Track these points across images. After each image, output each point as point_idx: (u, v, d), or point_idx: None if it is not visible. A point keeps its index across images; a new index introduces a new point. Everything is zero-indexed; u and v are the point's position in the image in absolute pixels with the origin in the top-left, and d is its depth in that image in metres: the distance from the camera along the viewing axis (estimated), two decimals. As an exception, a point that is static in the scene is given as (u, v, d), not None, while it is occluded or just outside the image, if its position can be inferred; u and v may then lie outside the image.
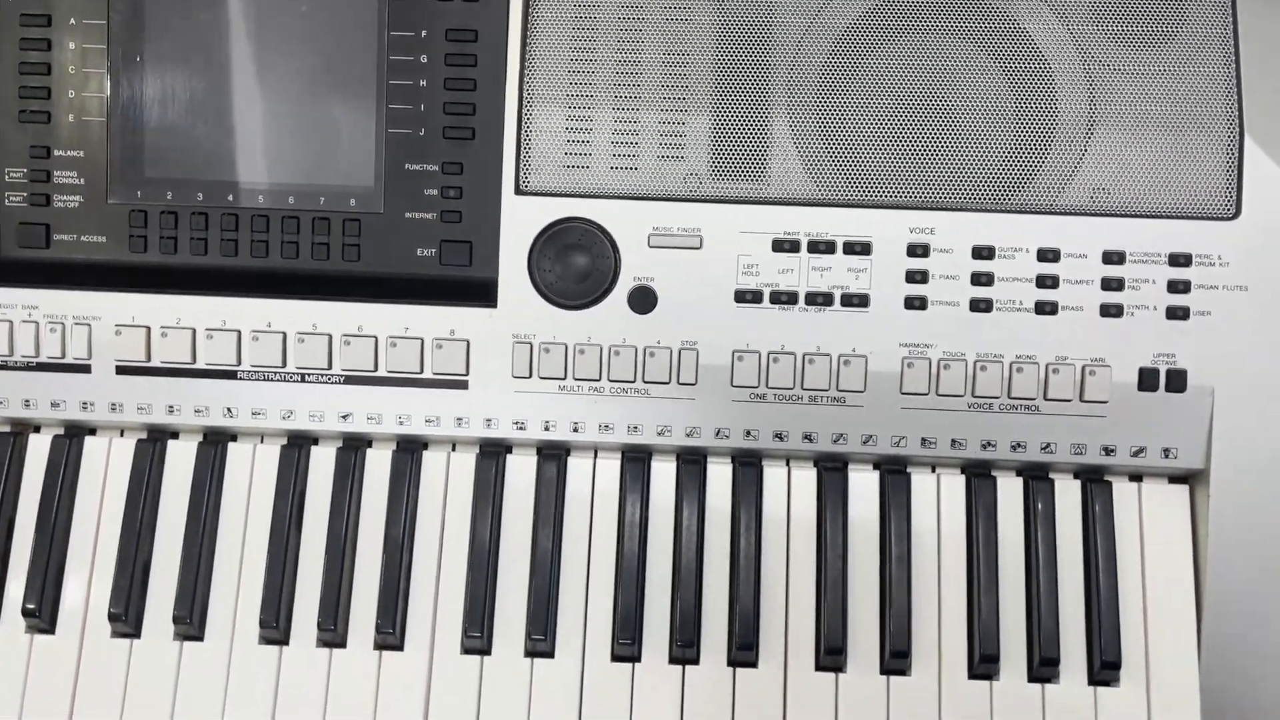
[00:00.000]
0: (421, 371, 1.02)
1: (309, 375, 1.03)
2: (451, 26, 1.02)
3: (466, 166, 1.02)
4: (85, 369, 1.03)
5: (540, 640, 0.99)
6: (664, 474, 1.04)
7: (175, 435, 1.06)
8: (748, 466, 1.03)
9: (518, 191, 1.02)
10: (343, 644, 1.00)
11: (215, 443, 1.04)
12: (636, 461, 1.03)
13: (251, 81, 1.03)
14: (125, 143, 1.03)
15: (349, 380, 1.03)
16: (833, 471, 1.03)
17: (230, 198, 1.03)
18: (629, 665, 1.00)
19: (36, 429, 1.06)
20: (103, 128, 1.03)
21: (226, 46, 1.03)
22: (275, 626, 1.00)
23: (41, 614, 1.00)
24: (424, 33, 1.02)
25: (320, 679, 1.00)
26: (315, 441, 1.05)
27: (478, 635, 0.99)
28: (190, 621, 1.00)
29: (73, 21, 1.02)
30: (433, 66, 1.02)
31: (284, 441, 1.05)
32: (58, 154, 1.03)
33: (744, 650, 0.99)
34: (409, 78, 1.02)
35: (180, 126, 1.03)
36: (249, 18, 1.02)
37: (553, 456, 1.03)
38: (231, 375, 1.03)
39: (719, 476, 1.03)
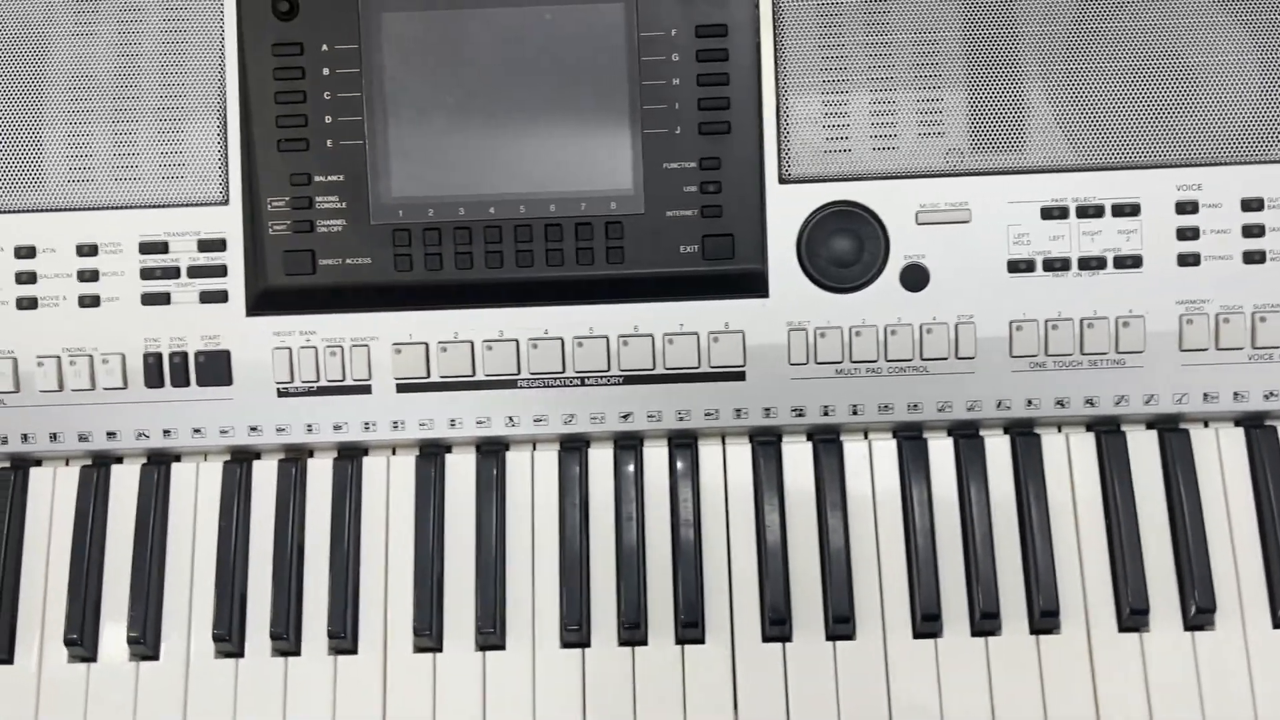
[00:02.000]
0: (699, 366, 1.03)
1: (589, 378, 1.04)
2: (701, 23, 1.02)
3: (724, 160, 1.03)
4: (366, 389, 1.04)
5: (843, 624, 1.00)
6: (942, 451, 1.04)
7: (449, 449, 1.07)
8: (1025, 436, 1.04)
9: (781, 180, 1.03)
10: (644, 641, 1.01)
11: (492, 453, 1.05)
12: (915, 440, 1.04)
13: (503, 94, 1.03)
14: (384, 163, 1.04)
15: (628, 380, 1.03)
16: (1111, 434, 1.03)
17: (492, 210, 1.04)
18: (932, 641, 1.00)
19: (310, 453, 1.07)
20: (361, 150, 1.04)
21: (475, 60, 1.03)
22: (579, 629, 1.01)
23: (344, 634, 1.01)
24: (674, 31, 1.03)
25: (625, 676, 1.01)
26: (588, 444, 1.06)
27: (780, 624, 1.00)
28: (494, 630, 1.00)
29: (325, 48, 1.03)
30: (684, 64, 1.03)
31: (557, 446, 1.06)
32: (318, 179, 1.04)
33: (1048, 616, 0.99)
34: (662, 77, 1.03)
35: (437, 143, 1.04)
36: (496, 31, 1.03)
37: (830, 443, 1.04)
38: (512, 385, 1.04)
39: (997, 449, 1.04)
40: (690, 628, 1.00)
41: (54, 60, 1.04)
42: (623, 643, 1.01)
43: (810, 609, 1.01)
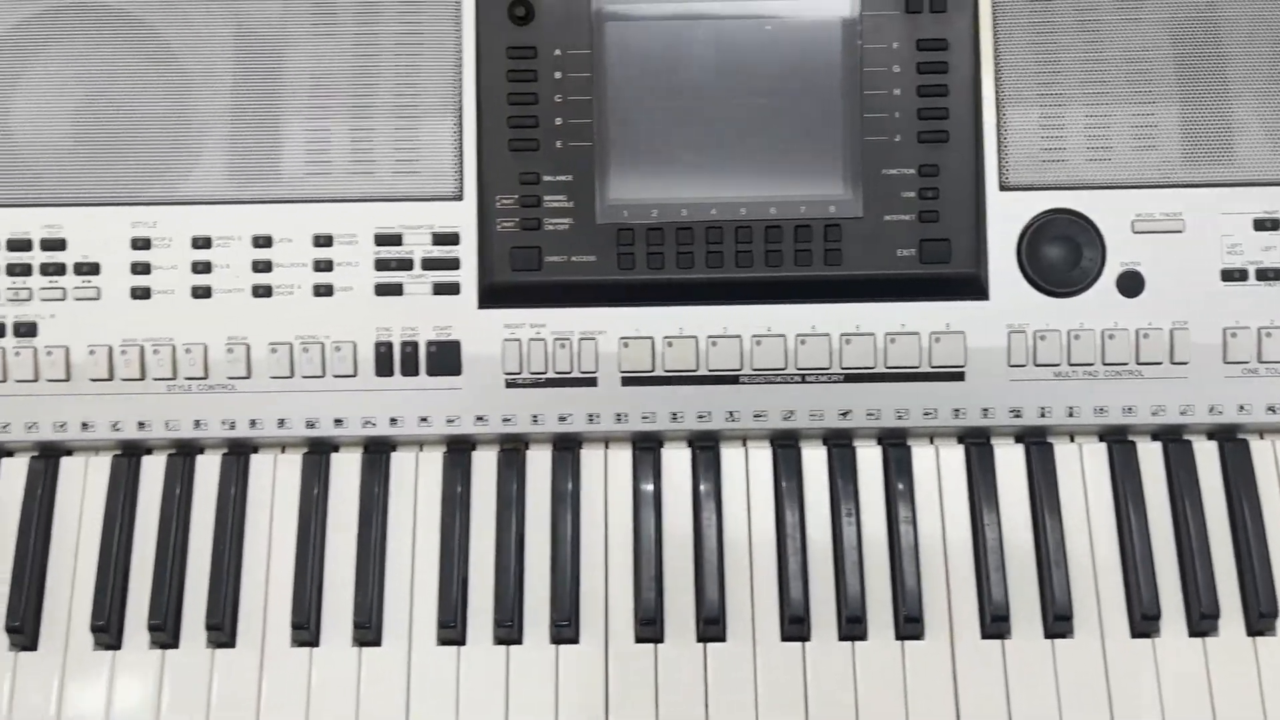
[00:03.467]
0: (919, 365, 1.05)
1: (809, 375, 1.06)
2: (922, 37, 1.07)
3: (942, 168, 1.07)
4: (591, 382, 1.06)
5: (1063, 622, 1.01)
6: (1150, 455, 1.07)
7: (660, 443, 1.09)
8: (1233, 442, 1.06)
9: (1001, 188, 1.06)
10: (864, 637, 1.02)
11: (706, 447, 1.08)
12: (1124, 444, 1.06)
13: (725, 101, 1.07)
14: (611, 165, 1.07)
15: (849, 379, 1.06)
16: (1317, 442, 1.07)
17: (713, 212, 1.07)
18: (1149, 641, 1.01)
19: (526, 445, 1.09)
20: (589, 152, 1.07)
21: (699, 68, 1.07)
22: (802, 622, 1.02)
23: (568, 623, 1.02)
24: (895, 44, 1.07)
25: (846, 674, 1.02)
26: (798, 439, 1.08)
27: (1001, 620, 1.02)
28: (720, 622, 1.01)
29: (558, 52, 1.07)
30: (905, 75, 1.06)
31: (769, 444, 1.08)
32: (547, 179, 1.07)
33: (1266, 618, 1.01)
34: (883, 87, 1.06)
35: (661, 147, 1.07)
36: (718, 41, 1.07)
37: (1042, 445, 1.06)
38: (734, 380, 1.06)
39: (1206, 454, 1.06)
40: (911, 623, 1.02)
41: (294, 59, 1.07)
42: (843, 637, 1.02)
43: (1027, 606, 1.03)
